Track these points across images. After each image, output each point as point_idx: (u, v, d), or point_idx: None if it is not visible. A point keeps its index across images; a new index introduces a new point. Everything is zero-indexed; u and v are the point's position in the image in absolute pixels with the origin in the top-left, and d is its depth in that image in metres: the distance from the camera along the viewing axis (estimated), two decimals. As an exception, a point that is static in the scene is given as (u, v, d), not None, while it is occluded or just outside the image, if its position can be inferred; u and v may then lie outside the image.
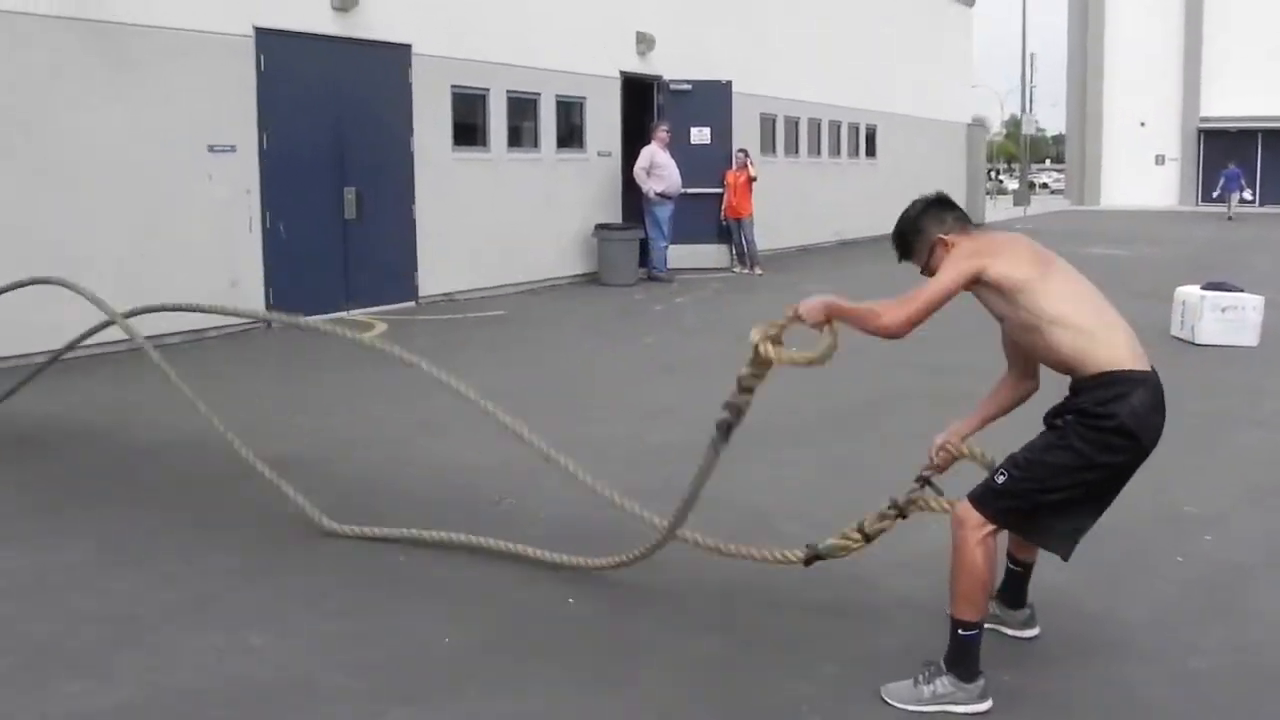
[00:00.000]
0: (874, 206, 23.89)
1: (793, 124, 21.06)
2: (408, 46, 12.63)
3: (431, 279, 13.17)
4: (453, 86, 13.35)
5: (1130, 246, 22.33)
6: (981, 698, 3.37)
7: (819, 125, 22.03)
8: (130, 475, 5.98)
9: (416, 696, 3.52)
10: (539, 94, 14.72)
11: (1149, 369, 3.35)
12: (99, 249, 9.48)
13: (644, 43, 16.53)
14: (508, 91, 14.15)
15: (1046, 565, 4.44)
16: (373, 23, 12.17)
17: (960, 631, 3.37)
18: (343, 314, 11.94)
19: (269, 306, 11.38)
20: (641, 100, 16.85)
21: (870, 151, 24.42)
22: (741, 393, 3.65)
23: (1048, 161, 76.93)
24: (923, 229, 3.61)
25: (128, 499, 5.50)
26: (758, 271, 16.76)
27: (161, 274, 9.84)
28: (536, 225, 14.76)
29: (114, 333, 6.29)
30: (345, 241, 12.15)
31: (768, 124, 20.04)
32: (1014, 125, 51.84)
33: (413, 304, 12.92)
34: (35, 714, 3.38)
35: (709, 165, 16.77)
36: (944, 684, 3.38)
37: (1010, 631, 3.93)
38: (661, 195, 15.78)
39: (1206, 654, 3.81)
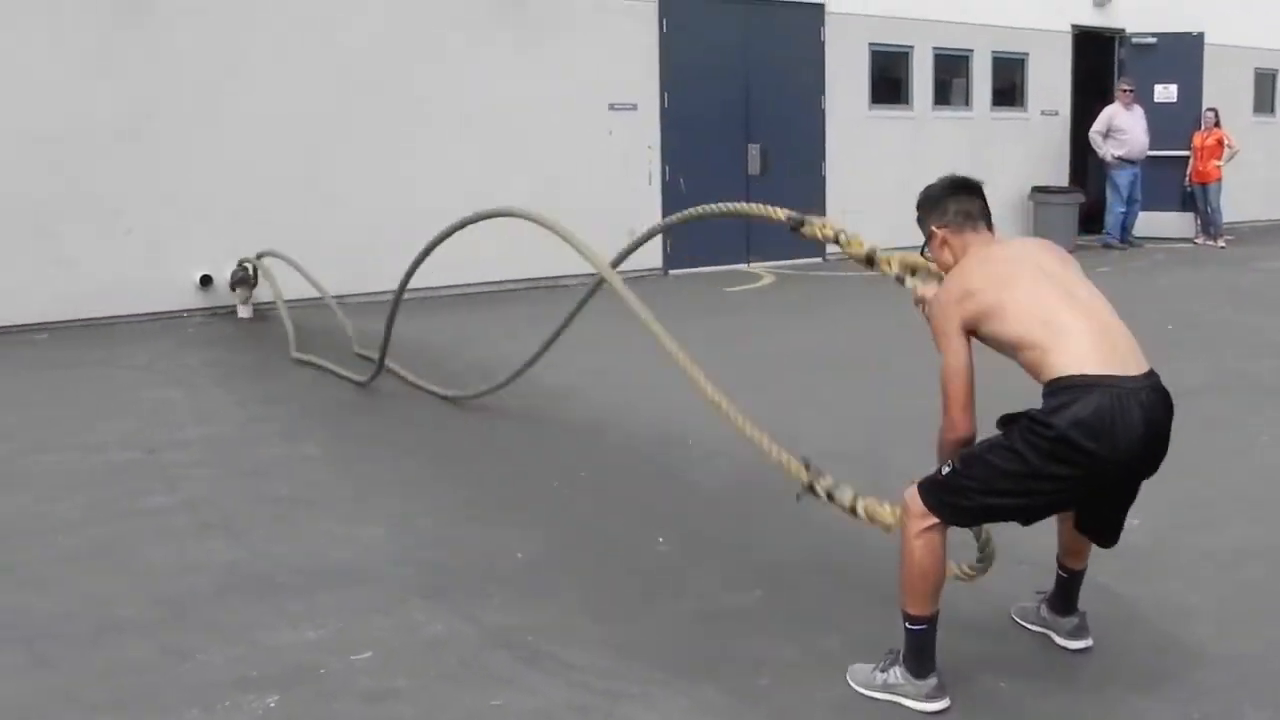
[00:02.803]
0: None
1: (1304, 79, 18.39)
2: (820, 5, 12.81)
3: (837, 236, 13.32)
4: (870, 44, 13.33)
5: None
6: (931, 697, 3.21)
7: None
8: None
9: (440, 591, 4.00)
10: (971, 50, 14.24)
11: (1120, 374, 2.97)
12: (510, 196, 10.73)
13: (1103, -7, 15.35)
14: (934, 48, 13.86)
15: (1178, 584, 4.02)
16: (784, -18, 12.51)
17: (907, 625, 3.23)
18: (741, 266, 12.56)
19: (666, 256, 12.26)
20: (1102, 54, 15.67)
21: None
22: None
23: None
24: (927, 212, 3.46)
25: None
26: (1220, 244, 15.05)
27: (565, 220, 11.00)
28: (962, 186, 14.33)
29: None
30: (748, 197, 12.58)
31: (1265, 80, 17.69)
32: None
33: (819, 260, 13.16)
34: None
35: (1174, 126, 15.24)
36: (896, 675, 3.26)
37: (1059, 640, 3.62)
38: (1121, 159, 14.68)
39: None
